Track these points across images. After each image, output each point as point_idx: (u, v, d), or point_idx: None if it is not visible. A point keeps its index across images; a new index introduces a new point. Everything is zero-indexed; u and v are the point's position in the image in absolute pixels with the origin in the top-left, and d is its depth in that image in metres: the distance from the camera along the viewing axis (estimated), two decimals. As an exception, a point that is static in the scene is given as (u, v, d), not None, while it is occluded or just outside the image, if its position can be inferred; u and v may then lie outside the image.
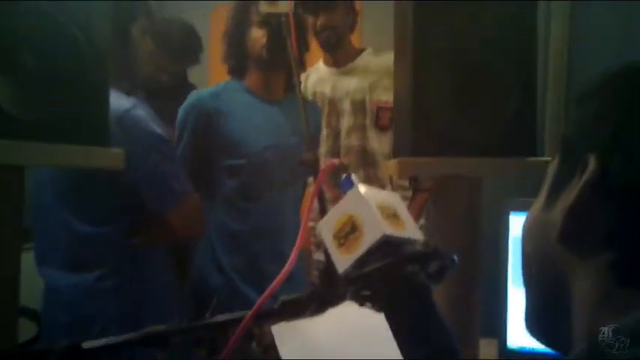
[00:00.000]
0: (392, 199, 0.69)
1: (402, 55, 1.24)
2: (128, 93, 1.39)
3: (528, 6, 1.19)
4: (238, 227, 1.71)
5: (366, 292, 0.65)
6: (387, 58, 1.95)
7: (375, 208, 0.65)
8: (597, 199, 0.46)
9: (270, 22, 1.44)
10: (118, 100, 1.31)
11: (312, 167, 1.38)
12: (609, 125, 0.47)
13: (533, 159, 1.19)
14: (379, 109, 2.03)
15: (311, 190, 1.89)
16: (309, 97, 2.11)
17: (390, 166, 1.35)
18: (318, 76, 2.16)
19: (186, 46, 1.88)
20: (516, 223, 1.30)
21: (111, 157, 1.02)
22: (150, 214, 1.44)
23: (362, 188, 0.67)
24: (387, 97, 1.97)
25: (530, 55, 1.20)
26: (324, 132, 2.06)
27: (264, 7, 1.43)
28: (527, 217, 0.55)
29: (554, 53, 2.34)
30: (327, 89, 2.12)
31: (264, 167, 1.71)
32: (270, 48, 1.59)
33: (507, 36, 1.17)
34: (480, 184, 1.23)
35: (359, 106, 2.06)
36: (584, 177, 0.46)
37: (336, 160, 0.73)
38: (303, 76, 2.10)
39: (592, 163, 0.46)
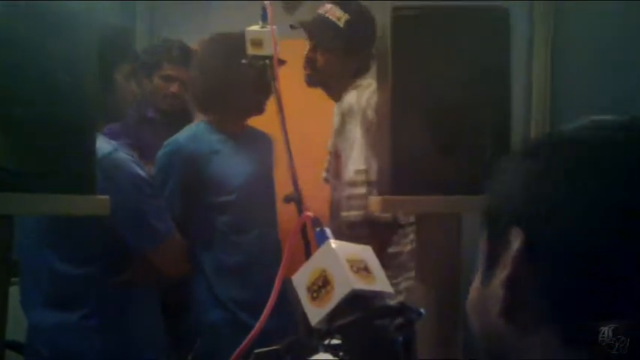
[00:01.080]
0: (363, 253, 0.72)
1: (383, 99, 1.29)
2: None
3: (501, 51, 1.23)
4: (233, 260, 1.75)
5: (337, 342, 0.68)
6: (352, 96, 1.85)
7: (344, 263, 0.68)
8: (528, 271, 0.47)
9: (256, 65, 1.47)
10: (100, 144, 1.34)
11: (297, 203, 1.41)
12: (531, 196, 0.48)
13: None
14: (331, 155, 1.95)
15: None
16: None
17: (373, 203, 1.39)
18: None
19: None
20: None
21: (96, 204, 1.05)
22: (133, 254, 1.46)
23: (333, 243, 0.70)
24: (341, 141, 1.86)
25: (504, 96, 1.24)
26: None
27: (249, 50, 1.46)
28: (468, 295, 0.56)
29: (537, 85, 2.39)
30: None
31: (251, 198, 1.75)
32: (256, 89, 1.63)
33: (482, 80, 1.21)
34: (459, 221, 1.27)
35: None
36: (512, 252, 0.47)
37: (310, 214, 0.76)
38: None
39: (516, 237, 0.47)
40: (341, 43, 1.84)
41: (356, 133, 1.77)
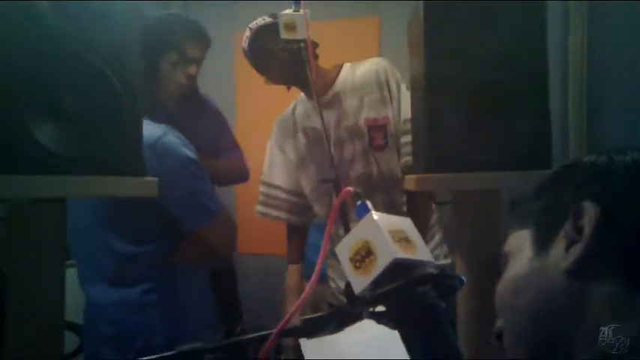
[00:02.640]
0: (404, 224, 0.75)
1: (418, 78, 1.30)
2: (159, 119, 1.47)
3: (537, 24, 1.23)
4: None
5: (381, 310, 0.70)
6: (366, 69, 1.87)
7: (387, 234, 0.71)
8: (606, 236, 0.51)
9: (290, 48, 1.50)
10: (151, 129, 1.41)
11: (334, 183, 1.44)
12: (605, 171, 0.54)
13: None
14: (370, 128, 1.85)
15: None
16: (299, 133, 1.97)
17: (408, 181, 1.40)
18: (304, 109, 1.99)
19: None
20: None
21: (145, 185, 1.10)
22: (186, 233, 1.52)
23: (375, 215, 0.73)
24: (375, 112, 1.84)
25: (541, 70, 1.24)
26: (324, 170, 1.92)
27: (283, 34, 1.49)
28: (507, 282, 0.62)
29: (574, 64, 2.35)
30: (317, 123, 1.84)
31: None
32: (290, 71, 1.65)
33: (517, 56, 1.21)
34: (497, 197, 1.28)
35: (354, 130, 1.88)
36: (588, 217, 0.52)
37: (351, 188, 0.78)
38: (290, 108, 2.02)
39: (591, 208, 0.52)
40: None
41: (394, 90, 1.84)
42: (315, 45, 1.51)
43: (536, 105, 1.23)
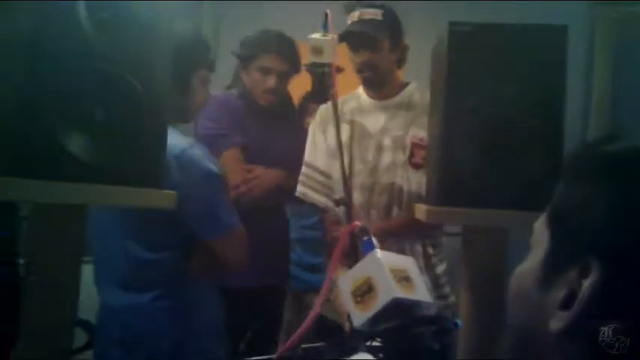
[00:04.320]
0: (407, 263, 0.78)
1: (436, 110, 1.32)
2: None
3: (557, 69, 1.25)
4: None
5: (377, 345, 0.73)
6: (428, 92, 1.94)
7: (389, 273, 0.73)
8: (601, 305, 0.48)
9: (315, 72, 1.52)
10: (178, 140, 1.46)
11: (346, 207, 1.47)
12: (619, 231, 0.48)
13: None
14: (414, 146, 1.94)
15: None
16: (347, 124, 2.02)
17: (418, 211, 1.42)
18: (357, 104, 2.06)
19: None
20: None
21: (163, 197, 1.14)
22: (202, 243, 1.56)
23: (379, 253, 0.76)
24: (423, 132, 1.87)
25: (557, 110, 1.25)
26: (358, 166, 2.00)
27: (310, 57, 1.52)
28: (517, 281, 0.57)
29: (598, 97, 2.35)
30: (367, 121, 2.02)
31: None
32: (314, 95, 1.68)
33: (532, 94, 1.23)
34: (505, 235, 1.29)
35: (399, 143, 1.97)
36: (589, 282, 0.48)
37: (359, 223, 0.81)
38: (340, 101, 2.01)
39: (595, 271, 0.48)
40: (387, 37, 1.94)
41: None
42: (340, 70, 1.53)
43: (551, 144, 1.24)
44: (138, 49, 1.09)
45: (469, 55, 1.25)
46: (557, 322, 0.51)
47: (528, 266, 0.57)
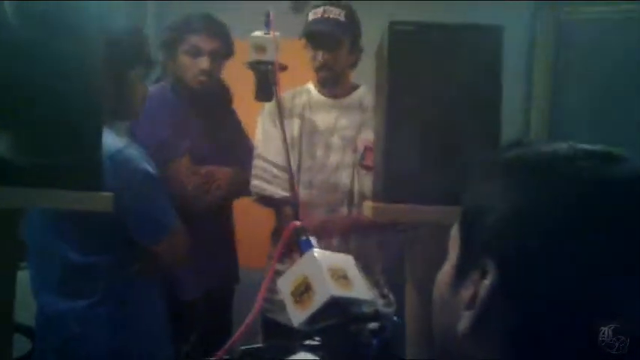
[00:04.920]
0: (345, 262, 0.78)
1: (379, 110, 1.33)
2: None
3: (491, 65, 1.27)
4: None
5: (316, 343, 0.73)
6: None
7: (326, 271, 0.73)
8: (499, 305, 0.50)
9: (258, 69, 1.51)
10: (114, 140, 1.42)
11: (294, 207, 1.46)
12: (511, 233, 0.50)
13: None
14: (366, 148, 1.94)
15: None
16: (297, 118, 2.00)
17: (366, 208, 1.43)
18: (308, 98, 2.05)
19: None
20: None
21: (99, 200, 1.10)
22: (140, 246, 1.52)
23: (317, 252, 0.76)
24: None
25: (493, 110, 1.28)
26: (307, 162, 1.99)
27: (253, 55, 1.51)
28: (436, 284, 0.60)
29: (539, 96, 2.42)
30: (317, 118, 2.01)
31: None
32: (259, 93, 1.67)
33: (469, 95, 1.25)
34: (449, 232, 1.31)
35: (348, 143, 1.98)
36: (484, 285, 0.50)
37: (298, 223, 0.81)
38: (289, 94, 2.04)
39: (489, 272, 0.50)
40: (349, 39, 1.96)
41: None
42: (283, 68, 1.53)
43: (486, 144, 1.27)
44: (67, 46, 1.05)
45: (410, 54, 1.26)
46: (462, 322, 0.53)
47: (444, 270, 0.59)
